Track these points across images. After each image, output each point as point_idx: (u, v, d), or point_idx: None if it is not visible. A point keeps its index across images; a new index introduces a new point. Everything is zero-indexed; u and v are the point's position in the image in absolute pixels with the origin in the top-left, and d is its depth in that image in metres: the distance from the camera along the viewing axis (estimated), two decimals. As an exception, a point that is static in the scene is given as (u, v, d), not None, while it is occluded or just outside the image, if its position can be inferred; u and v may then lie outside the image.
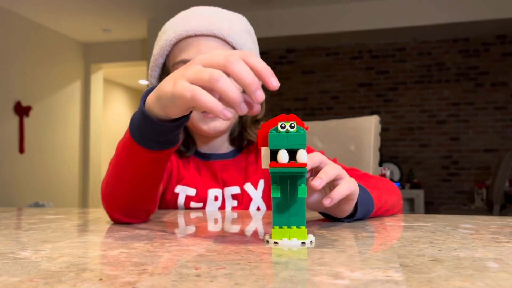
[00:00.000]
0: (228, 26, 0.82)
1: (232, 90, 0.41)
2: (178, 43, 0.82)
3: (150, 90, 0.53)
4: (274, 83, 0.42)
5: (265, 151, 0.42)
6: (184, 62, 0.81)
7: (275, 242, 0.43)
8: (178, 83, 0.44)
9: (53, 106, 5.00)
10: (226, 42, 0.82)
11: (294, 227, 0.44)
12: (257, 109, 0.44)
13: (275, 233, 0.44)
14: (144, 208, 0.63)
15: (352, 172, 0.82)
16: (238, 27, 0.84)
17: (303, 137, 0.41)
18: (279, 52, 5.19)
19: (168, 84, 0.47)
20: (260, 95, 0.41)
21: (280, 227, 0.44)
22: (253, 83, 0.41)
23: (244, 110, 0.42)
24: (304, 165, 0.40)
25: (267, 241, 0.44)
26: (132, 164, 0.57)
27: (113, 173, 0.61)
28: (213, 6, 0.87)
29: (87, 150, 5.49)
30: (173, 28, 0.83)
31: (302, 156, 0.40)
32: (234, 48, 0.84)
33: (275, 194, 0.42)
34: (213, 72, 0.42)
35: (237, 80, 0.41)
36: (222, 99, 0.44)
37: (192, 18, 0.82)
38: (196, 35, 0.81)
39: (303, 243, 0.43)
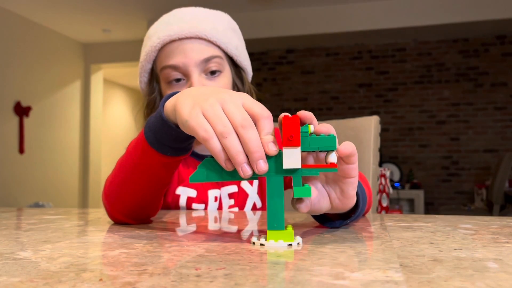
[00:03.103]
0: (211, 26, 0.83)
1: (235, 150, 0.42)
2: (163, 48, 0.83)
3: (171, 95, 0.53)
4: (269, 149, 0.42)
5: (299, 151, 0.42)
6: (171, 67, 0.82)
7: (299, 243, 0.43)
8: (194, 115, 0.45)
9: (53, 106, 5.00)
10: (210, 42, 0.83)
11: (289, 228, 0.44)
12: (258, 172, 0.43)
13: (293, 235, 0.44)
14: (146, 212, 0.63)
15: None
16: (221, 25, 0.85)
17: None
18: (279, 52, 5.19)
19: (187, 104, 0.47)
20: (261, 166, 0.42)
21: (277, 229, 0.44)
22: (257, 152, 0.42)
23: (245, 173, 0.42)
24: (336, 165, 0.43)
25: (290, 245, 0.43)
26: (142, 167, 0.57)
27: (121, 172, 0.60)
28: (194, 6, 0.88)
29: (87, 150, 5.49)
30: (157, 33, 0.84)
31: (335, 157, 0.44)
32: (219, 47, 0.84)
33: (310, 194, 0.43)
34: (225, 127, 0.43)
35: (244, 146, 0.42)
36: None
37: (174, 22, 0.83)
38: (180, 39, 0.82)
39: (290, 244, 0.43)
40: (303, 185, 0.44)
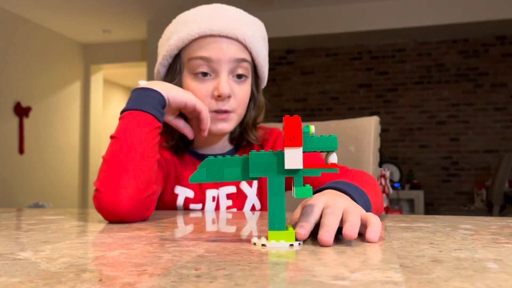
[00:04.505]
0: (251, 33, 0.83)
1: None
2: (199, 39, 0.81)
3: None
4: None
5: (301, 151, 0.43)
6: (204, 59, 0.80)
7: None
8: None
9: (53, 107, 5.00)
10: (245, 47, 0.83)
11: (290, 229, 0.44)
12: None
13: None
14: (150, 189, 0.67)
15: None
16: (258, 33, 0.86)
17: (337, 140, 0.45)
18: (279, 52, 5.19)
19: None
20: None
21: (278, 229, 0.43)
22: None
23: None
24: (337, 165, 0.44)
25: (292, 245, 0.43)
26: (140, 138, 0.68)
27: (118, 159, 0.66)
28: (234, 7, 0.86)
29: (87, 151, 5.49)
30: (197, 23, 0.81)
31: (335, 158, 0.44)
32: (250, 54, 0.84)
33: (311, 194, 0.43)
34: None
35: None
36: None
37: (217, 17, 0.82)
38: (220, 36, 0.81)
39: (292, 245, 0.43)
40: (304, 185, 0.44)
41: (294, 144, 0.42)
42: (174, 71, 0.85)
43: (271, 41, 5.62)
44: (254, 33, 0.84)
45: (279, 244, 0.43)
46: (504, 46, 4.74)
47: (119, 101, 7.45)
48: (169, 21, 0.89)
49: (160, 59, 0.87)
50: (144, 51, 5.29)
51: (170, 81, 0.85)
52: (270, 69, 5.19)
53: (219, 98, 0.80)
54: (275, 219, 0.43)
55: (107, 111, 6.85)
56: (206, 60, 0.81)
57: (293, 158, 0.42)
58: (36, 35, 4.76)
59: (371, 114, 4.91)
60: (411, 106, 4.93)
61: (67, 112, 5.25)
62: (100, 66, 5.64)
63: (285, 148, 0.42)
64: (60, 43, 5.14)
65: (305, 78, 5.18)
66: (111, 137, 0.70)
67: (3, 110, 4.35)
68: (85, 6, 4.34)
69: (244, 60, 0.83)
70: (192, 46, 0.82)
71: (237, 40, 0.82)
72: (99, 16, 4.63)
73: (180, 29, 0.83)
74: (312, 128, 0.44)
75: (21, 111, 4.52)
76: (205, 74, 0.81)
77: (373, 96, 5.03)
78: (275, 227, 0.43)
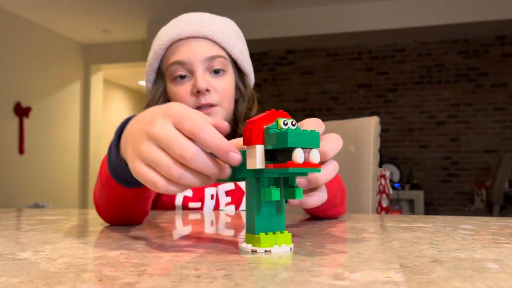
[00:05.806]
0: (218, 29, 0.87)
1: (204, 167, 0.38)
2: (171, 46, 0.87)
3: (128, 119, 0.49)
4: (232, 158, 0.37)
5: (260, 149, 0.38)
6: (177, 63, 0.85)
7: (267, 251, 0.39)
8: (137, 169, 0.40)
9: (53, 107, 5.00)
10: (216, 43, 0.87)
11: (279, 233, 0.41)
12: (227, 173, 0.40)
13: (263, 241, 0.40)
14: (134, 220, 0.61)
15: None
16: (227, 29, 0.89)
17: (318, 136, 0.38)
18: (279, 53, 5.19)
19: (129, 155, 0.42)
20: (234, 158, 0.38)
21: (266, 233, 0.40)
22: (222, 146, 0.37)
23: (223, 175, 0.39)
24: (319, 165, 0.38)
25: (255, 251, 0.39)
26: (110, 190, 0.55)
27: (98, 189, 0.59)
28: (202, 12, 0.92)
29: (87, 151, 5.49)
30: (165, 33, 0.88)
31: (316, 156, 0.38)
32: (224, 50, 0.88)
33: (276, 197, 0.38)
34: (169, 168, 0.38)
35: (206, 148, 0.38)
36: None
37: (183, 23, 0.88)
38: (188, 38, 0.86)
39: (291, 248, 0.41)
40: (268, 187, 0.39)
41: (250, 142, 0.38)
42: (158, 83, 0.90)
43: (271, 41, 5.61)
44: (222, 28, 0.88)
45: (248, 246, 0.40)
46: (504, 46, 4.74)
47: (119, 101, 7.45)
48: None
49: (145, 76, 0.93)
50: (144, 51, 5.29)
51: (155, 92, 0.90)
52: (270, 69, 5.22)
53: (199, 94, 0.84)
54: (248, 221, 0.41)
55: (107, 111, 6.85)
56: (180, 63, 0.85)
57: (252, 158, 0.39)
58: (36, 35, 4.76)
59: (371, 114, 4.92)
60: (411, 106, 4.93)
61: (67, 112, 5.25)
62: (100, 66, 5.64)
63: (247, 147, 0.39)
64: (60, 43, 5.14)
65: (305, 78, 5.18)
66: (99, 174, 0.59)
67: (3, 110, 4.35)
68: (85, 6, 4.34)
69: (217, 56, 0.86)
70: (167, 55, 0.88)
71: (205, 37, 0.86)
72: (99, 16, 4.63)
73: (154, 43, 0.90)
74: (291, 122, 0.38)
75: (21, 111, 4.52)
76: (182, 77, 0.86)
77: (373, 96, 5.03)
78: (248, 229, 0.41)
